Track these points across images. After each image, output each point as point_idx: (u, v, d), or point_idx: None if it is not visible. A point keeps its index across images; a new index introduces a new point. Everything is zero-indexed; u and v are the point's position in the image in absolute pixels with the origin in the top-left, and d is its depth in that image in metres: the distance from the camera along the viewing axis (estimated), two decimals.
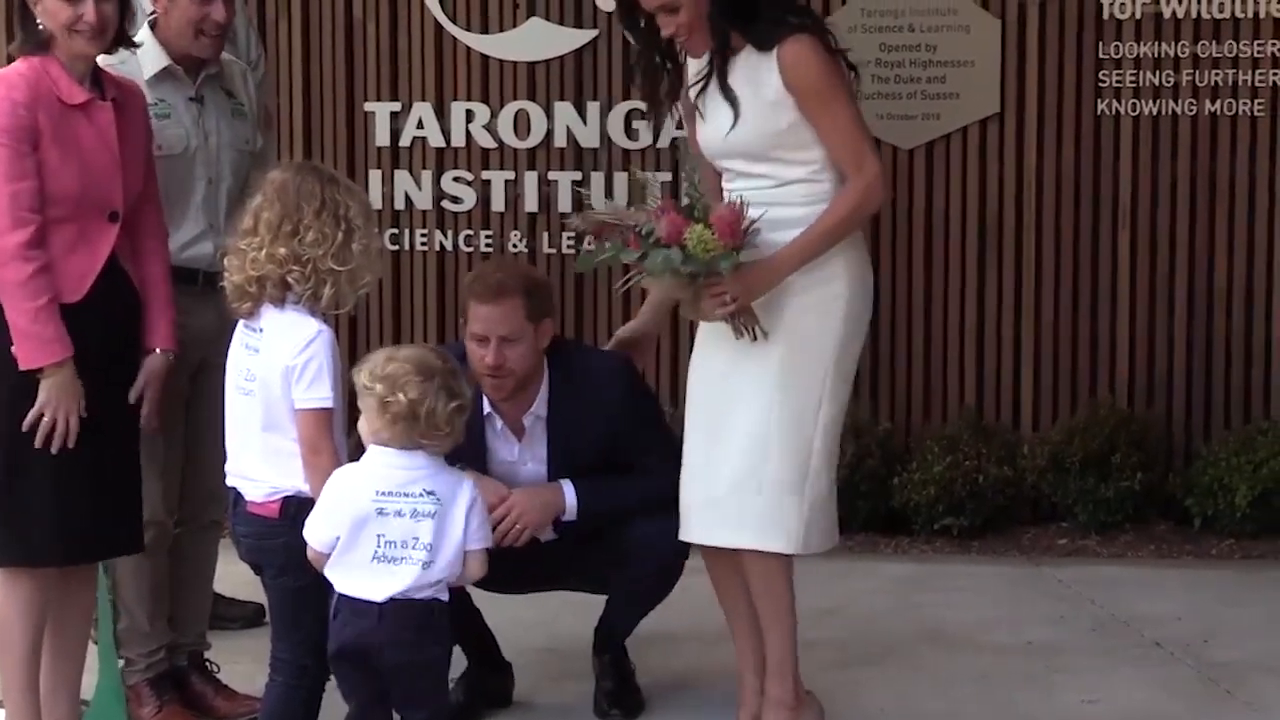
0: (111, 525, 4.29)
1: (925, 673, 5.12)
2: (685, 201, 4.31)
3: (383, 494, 3.79)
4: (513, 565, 4.41)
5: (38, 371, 4.08)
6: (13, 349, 4.09)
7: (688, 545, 4.56)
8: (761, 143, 4.31)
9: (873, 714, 4.75)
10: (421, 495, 3.80)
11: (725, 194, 4.36)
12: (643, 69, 4.49)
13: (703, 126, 4.42)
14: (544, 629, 5.25)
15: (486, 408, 4.60)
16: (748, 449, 4.31)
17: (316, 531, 3.84)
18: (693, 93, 4.39)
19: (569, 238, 6.78)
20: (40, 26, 4.17)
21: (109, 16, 4.20)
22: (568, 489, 4.61)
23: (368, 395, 3.80)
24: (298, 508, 3.91)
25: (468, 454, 4.43)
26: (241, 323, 4.04)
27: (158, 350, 4.32)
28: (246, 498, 4.01)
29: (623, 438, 4.66)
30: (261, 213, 3.94)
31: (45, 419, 4.10)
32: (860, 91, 4.49)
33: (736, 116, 4.28)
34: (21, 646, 4.23)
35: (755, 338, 4.27)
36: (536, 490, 4.59)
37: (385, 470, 3.81)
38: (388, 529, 3.78)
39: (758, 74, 4.26)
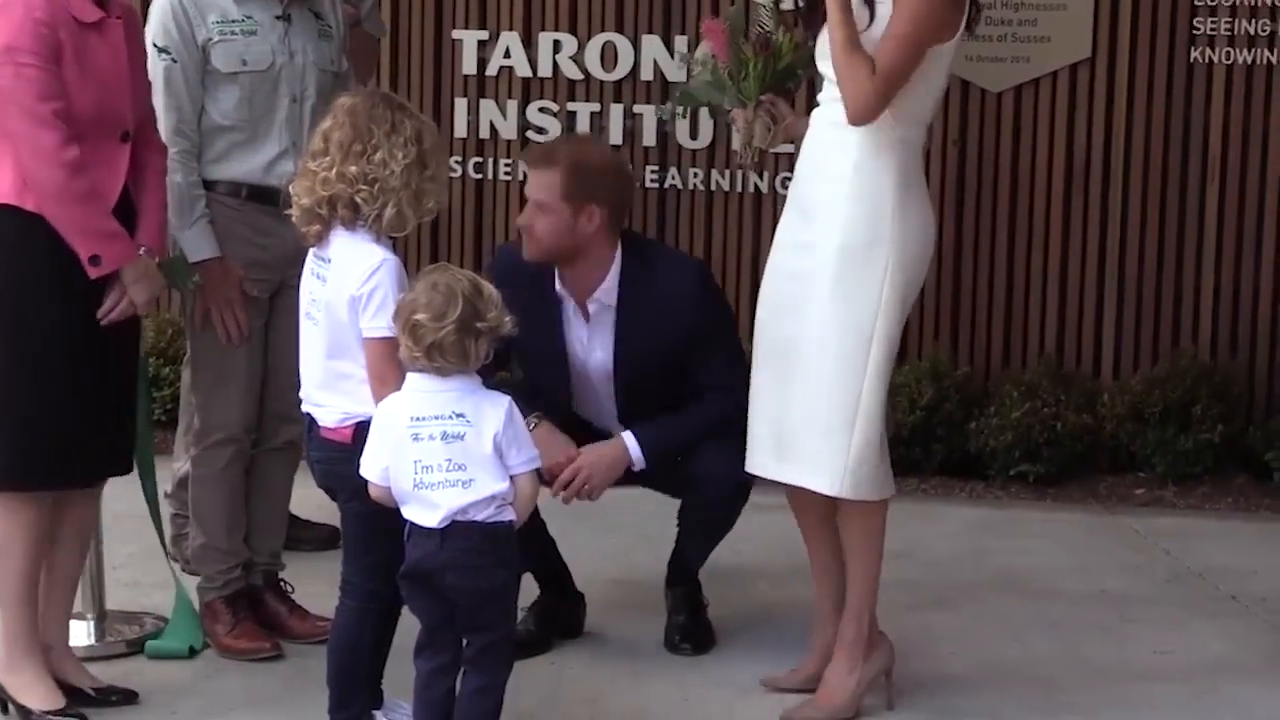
0: (107, 448, 4.28)
1: (996, 618, 5.09)
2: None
3: (416, 419, 3.77)
4: None
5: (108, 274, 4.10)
6: (88, 258, 4.07)
7: (751, 475, 4.52)
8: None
9: (943, 657, 4.72)
10: (451, 417, 3.76)
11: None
12: None
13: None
14: (617, 560, 5.25)
15: (558, 286, 4.63)
16: (803, 388, 4.26)
17: (368, 466, 3.84)
18: None
19: (652, 171, 6.77)
20: None
21: None
22: (631, 442, 4.60)
23: (396, 318, 3.80)
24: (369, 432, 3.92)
25: (543, 332, 4.51)
26: (312, 251, 4.01)
27: (143, 248, 4.23)
28: (320, 423, 4.00)
29: (689, 338, 4.63)
30: (332, 134, 3.91)
31: (125, 306, 4.14)
32: (971, 34, 4.38)
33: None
34: (20, 565, 4.22)
35: (754, 158, 4.45)
36: (603, 450, 4.60)
37: (418, 395, 3.79)
38: (422, 453, 3.76)
39: None
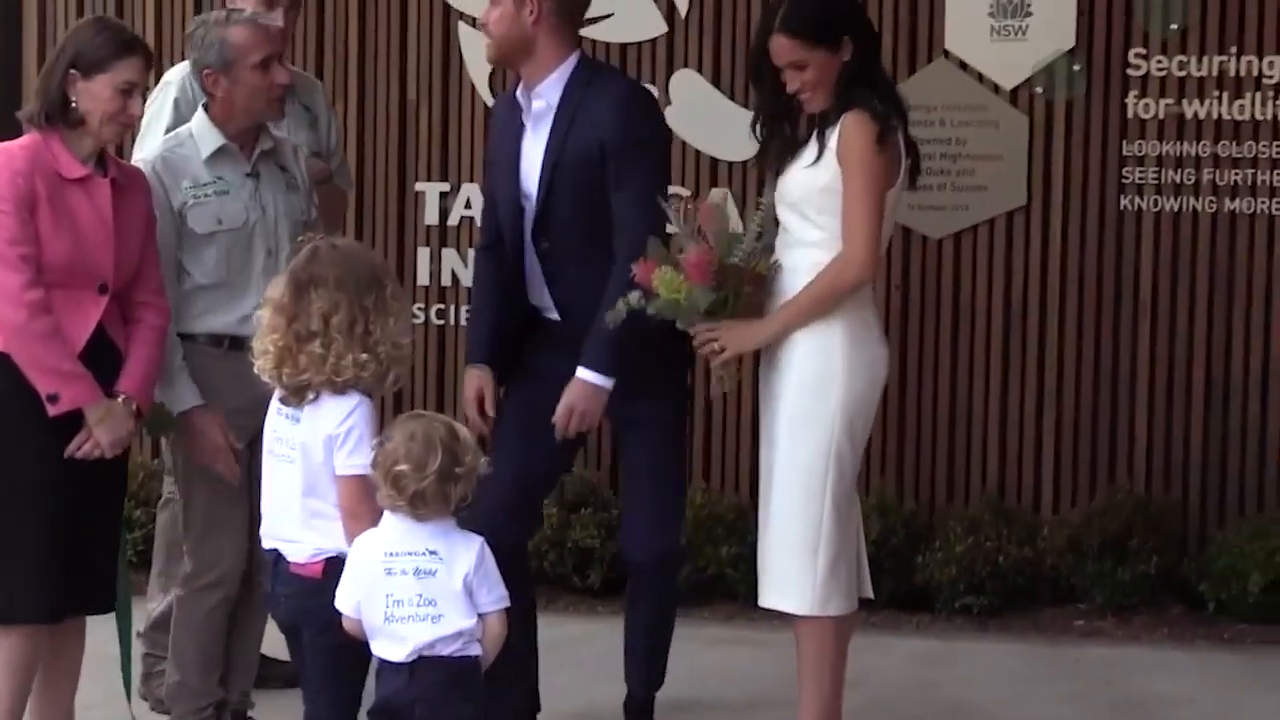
0: (90, 585, 4.32)
1: None
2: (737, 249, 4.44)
3: (390, 554, 3.78)
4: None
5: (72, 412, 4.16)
6: (45, 396, 4.13)
7: (674, 552, 4.83)
8: (801, 192, 4.44)
9: None
10: (425, 554, 3.77)
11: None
12: (763, 120, 4.61)
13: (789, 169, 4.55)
14: (578, 694, 5.25)
15: (518, 92, 4.74)
16: (774, 514, 4.46)
17: (342, 598, 3.84)
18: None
19: None
20: (74, 106, 4.23)
21: (138, 114, 4.33)
22: (594, 376, 4.60)
23: (376, 468, 3.81)
24: (340, 567, 3.90)
25: (505, 143, 4.73)
26: (280, 394, 4.01)
27: (121, 395, 4.28)
28: (289, 559, 4.00)
29: (608, 146, 4.60)
30: (331, 316, 3.88)
31: (91, 446, 4.20)
32: (904, 180, 4.56)
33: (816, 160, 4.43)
34: (6, 702, 4.24)
35: (724, 389, 4.51)
36: (583, 392, 4.61)
37: (393, 533, 3.80)
38: (394, 587, 3.76)
39: (835, 131, 4.41)
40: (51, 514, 4.22)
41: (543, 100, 4.68)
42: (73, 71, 4.24)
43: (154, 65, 4.46)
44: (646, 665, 4.98)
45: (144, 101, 4.39)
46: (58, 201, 4.20)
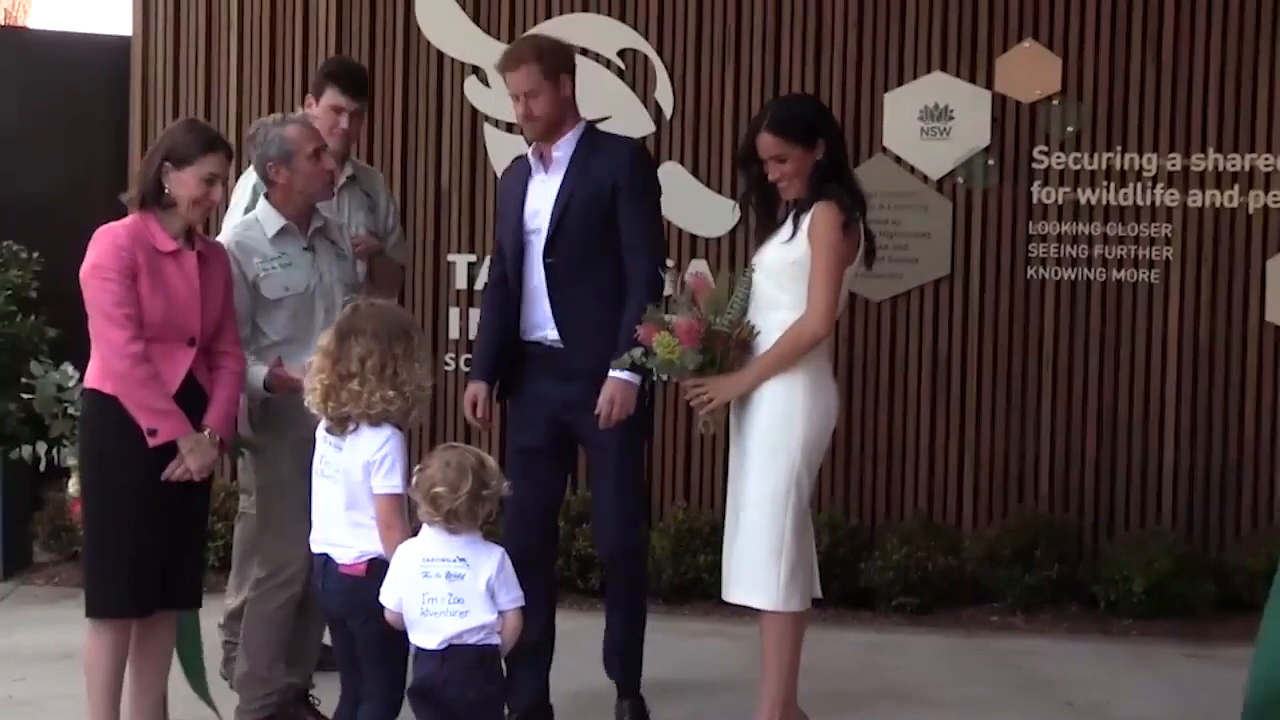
0: (179, 584, 4.31)
1: None
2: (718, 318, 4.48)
3: (427, 560, 3.79)
4: None
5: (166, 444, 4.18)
6: (146, 430, 4.16)
7: (635, 543, 4.83)
8: (776, 264, 4.48)
9: None
10: (455, 560, 3.78)
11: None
12: (753, 203, 4.67)
13: (767, 244, 4.59)
14: (576, 678, 5.18)
15: (530, 156, 4.80)
16: (743, 530, 4.48)
17: (386, 595, 3.84)
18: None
19: None
20: (167, 192, 4.25)
21: (219, 200, 4.36)
22: (626, 375, 4.59)
23: (416, 489, 3.82)
24: (381, 567, 3.91)
25: (512, 194, 4.79)
26: (324, 424, 4.02)
27: (207, 429, 4.27)
28: (337, 560, 3.99)
29: (616, 188, 4.68)
30: (366, 360, 3.91)
31: (182, 472, 4.20)
32: (861, 260, 4.60)
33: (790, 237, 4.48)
34: (103, 680, 4.24)
35: (711, 430, 4.51)
36: (618, 388, 4.60)
37: (430, 542, 3.81)
38: (429, 587, 3.77)
39: (808, 216, 4.46)
40: (140, 528, 4.20)
41: (560, 152, 4.75)
42: (166, 164, 4.24)
43: (233, 159, 4.48)
44: (626, 659, 4.96)
45: (224, 189, 4.40)
46: (154, 270, 4.21)
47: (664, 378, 4.52)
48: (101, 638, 4.25)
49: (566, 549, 6.43)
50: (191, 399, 4.27)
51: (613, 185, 4.68)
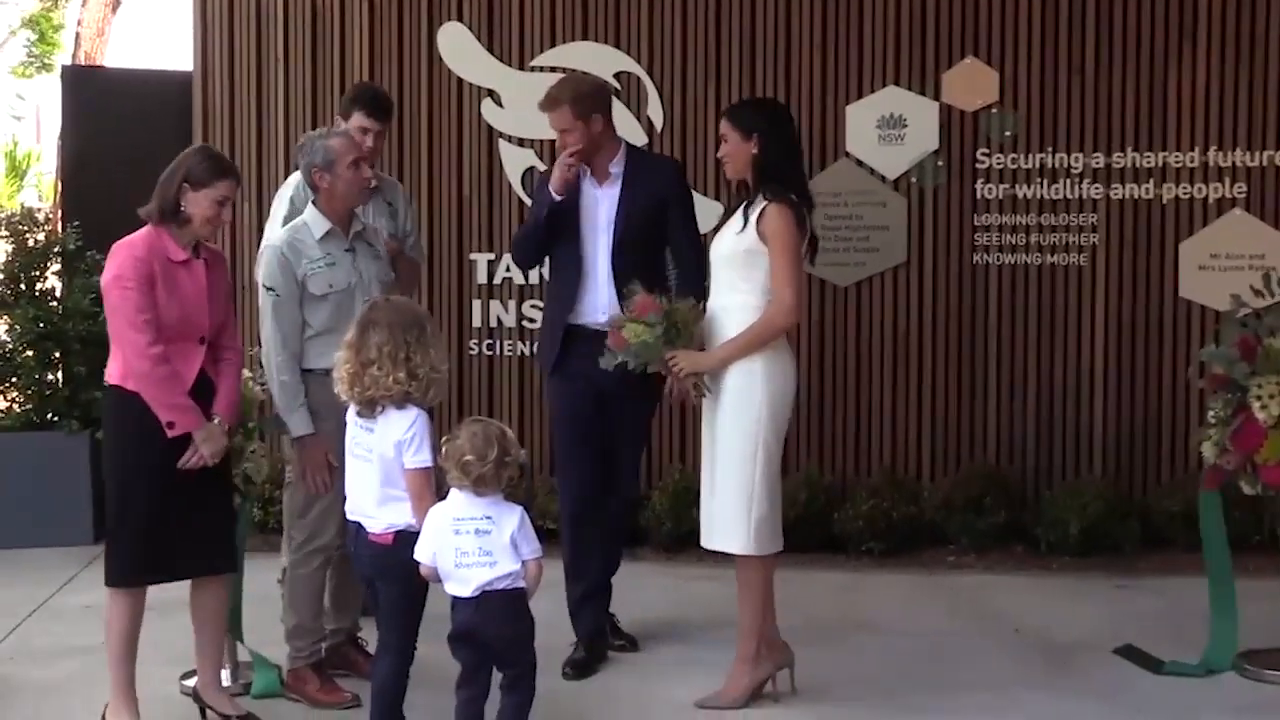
0: (207, 552, 4.25)
1: (854, 651, 5.12)
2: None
3: (457, 519, 3.79)
4: None
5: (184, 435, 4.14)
6: (165, 423, 4.10)
7: (636, 493, 5.20)
8: (730, 251, 4.45)
9: (818, 675, 4.74)
10: (482, 519, 3.79)
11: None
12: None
13: (722, 230, 4.57)
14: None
15: (584, 177, 4.86)
16: (716, 482, 4.46)
17: (421, 552, 3.84)
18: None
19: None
20: (182, 210, 4.19)
21: (228, 220, 4.31)
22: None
23: (447, 458, 3.82)
24: (405, 537, 3.91)
25: (570, 204, 4.80)
26: (355, 409, 4.01)
27: (217, 416, 4.21)
28: (368, 529, 3.98)
29: (668, 198, 4.87)
30: (383, 347, 3.89)
31: (197, 459, 4.15)
32: (811, 254, 4.57)
33: (742, 228, 4.44)
34: (120, 642, 4.17)
35: (703, 394, 4.45)
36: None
37: (459, 504, 3.81)
38: (461, 543, 3.77)
39: (756, 210, 4.42)
40: (155, 508, 4.13)
41: (615, 170, 4.88)
42: (185, 184, 4.17)
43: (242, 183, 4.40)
44: (607, 560, 5.05)
45: (233, 211, 4.32)
46: (169, 278, 4.14)
47: (644, 367, 4.47)
48: (117, 603, 4.19)
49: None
50: (201, 390, 4.22)
51: (664, 198, 4.87)
